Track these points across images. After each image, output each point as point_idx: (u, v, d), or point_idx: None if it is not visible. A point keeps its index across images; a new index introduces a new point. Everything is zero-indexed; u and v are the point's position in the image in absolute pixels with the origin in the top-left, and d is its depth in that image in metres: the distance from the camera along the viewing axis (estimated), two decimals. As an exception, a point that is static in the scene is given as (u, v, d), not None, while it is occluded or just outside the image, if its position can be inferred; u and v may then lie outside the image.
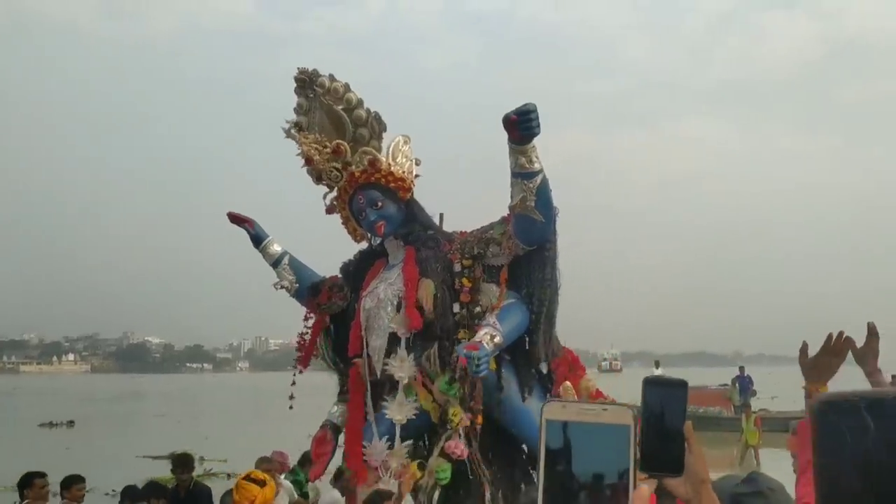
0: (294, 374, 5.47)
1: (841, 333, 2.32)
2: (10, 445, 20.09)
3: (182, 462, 6.30)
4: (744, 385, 20.77)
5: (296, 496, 6.99)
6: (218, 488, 7.07)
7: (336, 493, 6.49)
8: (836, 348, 2.31)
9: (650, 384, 1.24)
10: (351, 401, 5.28)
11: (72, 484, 5.69)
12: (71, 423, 27.66)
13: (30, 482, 5.39)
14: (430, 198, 5.34)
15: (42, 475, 5.53)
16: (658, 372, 24.07)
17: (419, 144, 5.28)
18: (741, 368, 22.05)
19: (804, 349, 2.36)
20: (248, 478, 4.63)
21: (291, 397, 5.38)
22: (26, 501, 5.32)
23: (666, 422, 1.22)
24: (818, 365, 2.30)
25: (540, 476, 0.69)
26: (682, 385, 1.25)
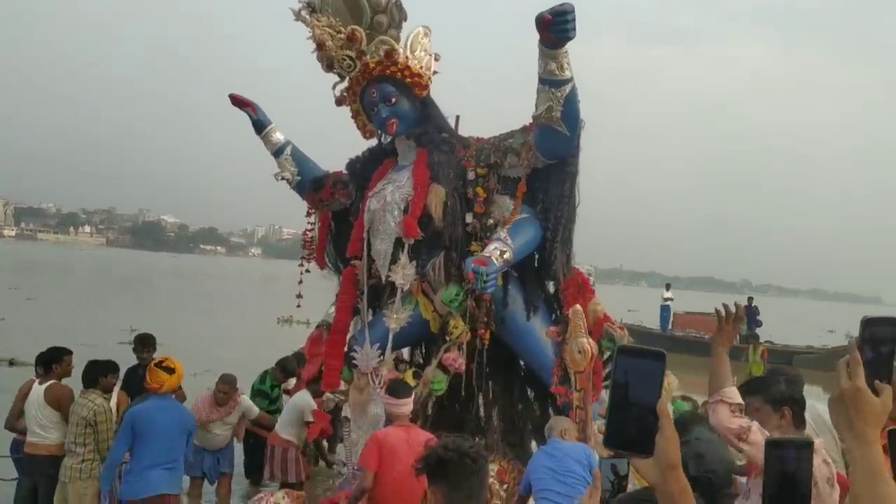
0: (302, 272, 5.35)
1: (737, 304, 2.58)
2: None
3: (144, 342, 6.19)
4: (751, 315, 20.63)
5: (256, 411, 6.37)
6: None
7: (307, 396, 6.27)
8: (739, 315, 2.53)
9: (624, 353, 1.09)
10: (340, 302, 5.12)
11: (62, 356, 5.63)
12: None
13: (59, 358, 5.39)
14: (448, 98, 4.99)
15: (70, 352, 5.53)
16: (668, 294, 23.91)
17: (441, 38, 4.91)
18: (749, 299, 21.95)
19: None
20: (159, 364, 4.71)
21: (299, 296, 5.25)
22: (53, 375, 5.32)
23: (638, 396, 1.07)
24: (725, 332, 2.47)
25: None
26: (659, 357, 1.08)
